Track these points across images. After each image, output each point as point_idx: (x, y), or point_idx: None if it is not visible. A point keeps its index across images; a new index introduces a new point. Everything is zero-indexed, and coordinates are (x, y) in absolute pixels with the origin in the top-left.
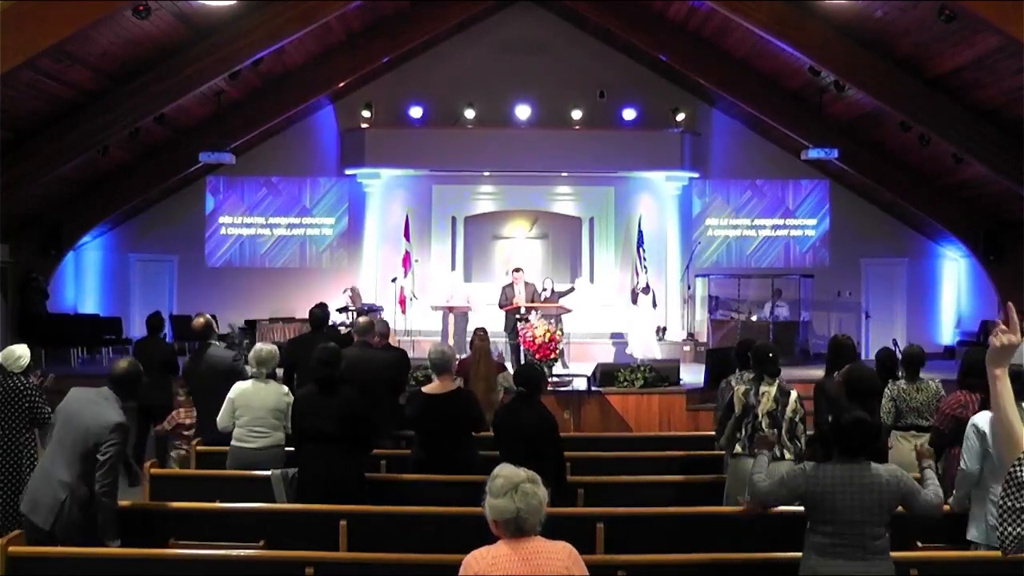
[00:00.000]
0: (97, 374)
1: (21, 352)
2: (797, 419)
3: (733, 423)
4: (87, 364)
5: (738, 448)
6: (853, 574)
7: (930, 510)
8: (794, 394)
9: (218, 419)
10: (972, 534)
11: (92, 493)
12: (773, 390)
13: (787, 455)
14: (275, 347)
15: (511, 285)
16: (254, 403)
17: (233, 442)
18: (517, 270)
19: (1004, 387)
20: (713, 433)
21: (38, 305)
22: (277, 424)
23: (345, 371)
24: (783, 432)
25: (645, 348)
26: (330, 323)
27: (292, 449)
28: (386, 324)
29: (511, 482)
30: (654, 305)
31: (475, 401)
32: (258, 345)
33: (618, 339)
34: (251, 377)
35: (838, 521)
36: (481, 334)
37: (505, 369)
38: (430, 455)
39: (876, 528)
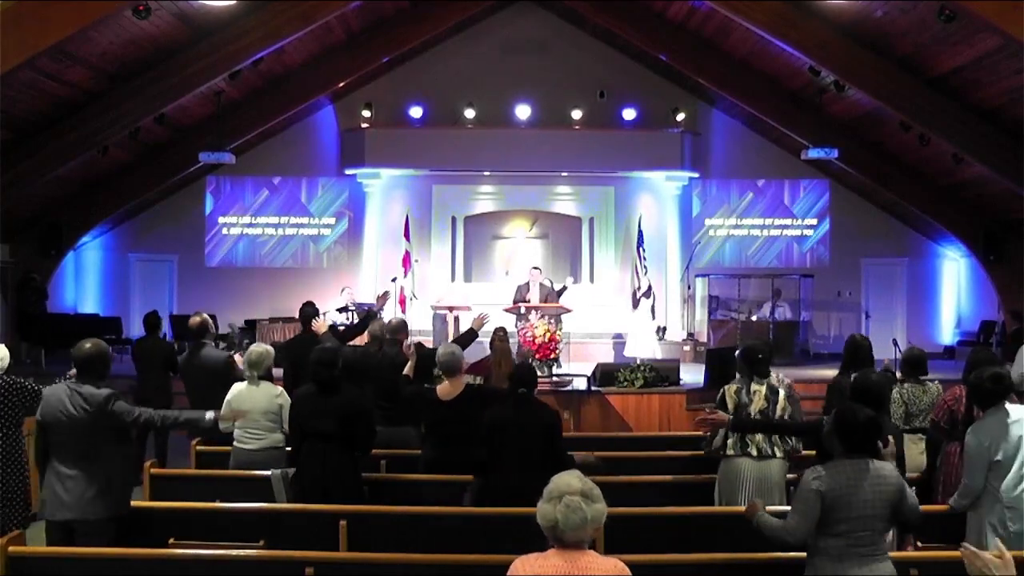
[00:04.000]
0: None
1: (2, 354)
2: (787, 416)
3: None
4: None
5: (730, 450)
6: (876, 574)
7: (916, 514)
8: (783, 392)
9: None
10: (990, 542)
11: (126, 461)
12: (764, 389)
13: (777, 453)
14: (268, 348)
15: (526, 284)
16: (246, 405)
17: (234, 443)
18: (535, 268)
19: None
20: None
21: (36, 305)
22: (272, 426)
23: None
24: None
25: (644, 350)
26: (329, 323)
27: (290, 449)
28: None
29: (559, 491)
30: (652, 314)
31: (485, 394)
32: (251, 347)
33: (618, 339)
34: (245, 379)
35: (853, 519)
36: (501, 335)
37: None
38: (443, 455)
39: (884, 523)
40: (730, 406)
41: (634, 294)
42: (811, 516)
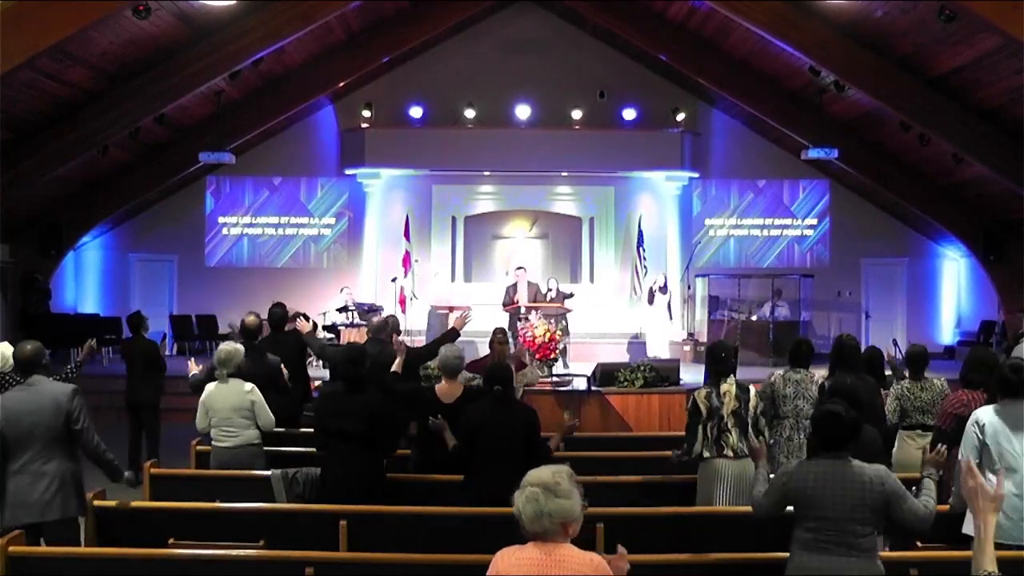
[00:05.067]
0: (96, 374)
1: (7, 352)
2: (758, 414)
3: (700, 427)
4: (87, 364)
5: (705, 452)
6: (838, 571)
7: (914, 520)
8: (753, 390)
9: (196, 421)
10: (968, 528)
11: (78, 464)
12: (733, 389)
13: None
14: (237, 347)
15: (514, 284)
16: (218, 404)
17: (212, 442)
18: (519, 268)
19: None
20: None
21: (39, 305)
22: (245, 423)
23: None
24: (748, 429)
25: (663, 348)
26: (329, 323)
27: (311, 450)
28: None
29: (528, 481)
30: (669, 313)
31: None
32: (220, 345)
33: (624, 339)
34: (215, 379)
35: (820, 516)
36: (500, 336)
37: (525, 366)
38: (436, 456)
39: (861, 526)
40: (703, 411)
41: (650, 291)
42: (774, 504)
